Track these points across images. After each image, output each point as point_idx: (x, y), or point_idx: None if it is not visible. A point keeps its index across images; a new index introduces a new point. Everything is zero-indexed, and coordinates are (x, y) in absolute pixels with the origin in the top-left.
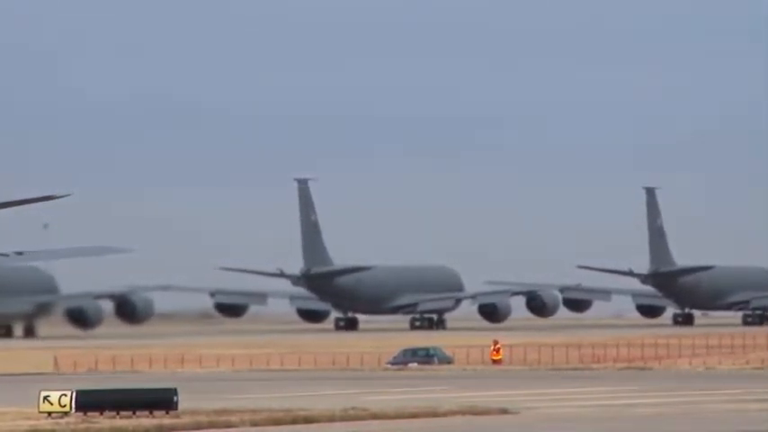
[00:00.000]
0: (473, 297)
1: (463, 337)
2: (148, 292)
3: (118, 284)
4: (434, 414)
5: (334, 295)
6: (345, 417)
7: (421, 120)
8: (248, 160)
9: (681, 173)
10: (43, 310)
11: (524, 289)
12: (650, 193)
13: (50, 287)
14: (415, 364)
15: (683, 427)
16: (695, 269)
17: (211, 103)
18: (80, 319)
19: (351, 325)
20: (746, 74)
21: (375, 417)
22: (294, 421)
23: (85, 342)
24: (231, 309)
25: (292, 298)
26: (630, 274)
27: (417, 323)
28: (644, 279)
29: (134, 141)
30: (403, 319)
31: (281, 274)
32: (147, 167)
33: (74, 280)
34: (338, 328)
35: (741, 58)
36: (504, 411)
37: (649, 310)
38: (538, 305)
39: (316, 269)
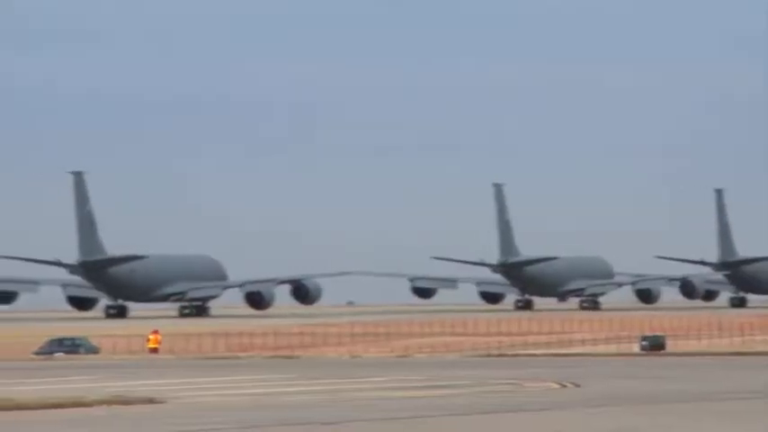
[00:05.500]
0: (633, 283)
1: (114, 327)
2: (325, 277)
3: (298, 271)
4: (80, 404)
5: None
6: None
7: None
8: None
9: None
10: (224, 293)
11: (677, 276)
12: None
13: (221, 274)
14: (62, 354)
15: (328, 415)
16: None
17: None
18: (257, 300)
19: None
20: None
21: (20, 407)
22: None
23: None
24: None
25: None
26: None
27: (585, 305)
28: None
29: None
30: (573, 303)
31: None
32: None
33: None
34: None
35: None
36: (150, 401)
37: None
38: (688, 290)
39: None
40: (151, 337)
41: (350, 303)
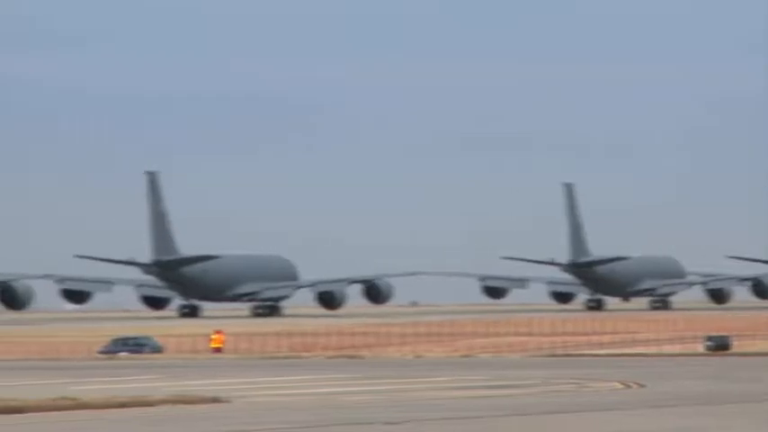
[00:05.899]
0: (704, 283)
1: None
2: (396, 277)
3: (369, 271)
4: (145, 403)
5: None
6: (55, 406)
7: None
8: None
9: None
10: (296, 293)
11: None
12: None
13: (293, 274)
14: (126, 354)
15: (391, 415)
16: None
17: None
18: (329, 300)
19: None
20: None
21: (85, 406)
22: (3, 411)
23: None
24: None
25: None
26: None
27: (656, 305)
28: None
29: None
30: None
31: None
32: None
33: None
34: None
35: None
36: (215, 400)
37: None
38: (760, 290)
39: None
40: (214, 336)
41: (413, 303)
